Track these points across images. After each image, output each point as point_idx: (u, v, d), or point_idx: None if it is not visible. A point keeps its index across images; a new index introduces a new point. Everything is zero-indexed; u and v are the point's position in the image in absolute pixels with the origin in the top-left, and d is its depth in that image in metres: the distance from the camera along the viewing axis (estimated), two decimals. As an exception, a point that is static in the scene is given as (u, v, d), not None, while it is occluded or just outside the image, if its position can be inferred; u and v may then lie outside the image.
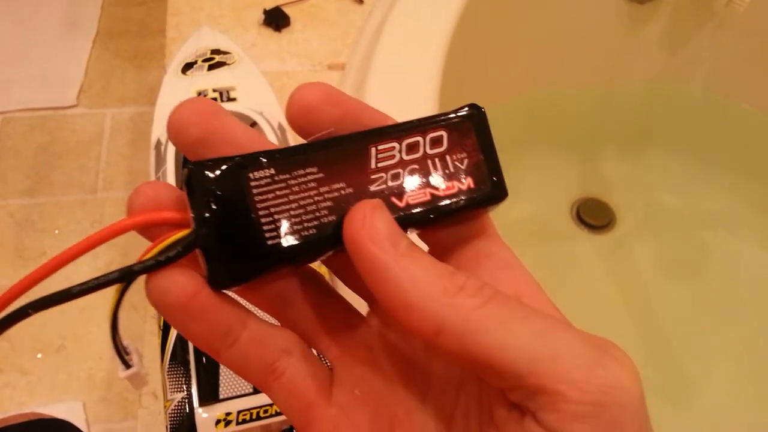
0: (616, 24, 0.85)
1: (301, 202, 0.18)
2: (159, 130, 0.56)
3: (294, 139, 0.57)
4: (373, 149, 0.19)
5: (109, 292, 0.18)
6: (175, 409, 0.41)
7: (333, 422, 0.20)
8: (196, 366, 0.42)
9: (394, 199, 0.19)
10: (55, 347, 1.04)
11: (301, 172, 0.18)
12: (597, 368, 0.16)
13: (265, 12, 0.72)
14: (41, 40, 1.44)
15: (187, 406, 0.41)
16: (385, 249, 0.17)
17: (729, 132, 0.93)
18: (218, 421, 0.41)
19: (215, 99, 0.57)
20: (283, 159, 0.18)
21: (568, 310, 0.19)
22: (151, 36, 1.47)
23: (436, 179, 0.19)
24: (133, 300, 0.19)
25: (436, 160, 0.19)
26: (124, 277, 0.17)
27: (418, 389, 0.20)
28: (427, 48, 0.63)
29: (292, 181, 0.18)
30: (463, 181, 0.19)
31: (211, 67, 0.60)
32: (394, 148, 0.19)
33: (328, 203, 0.18)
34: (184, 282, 0.17)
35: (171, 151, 0.53)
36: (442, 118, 0.20)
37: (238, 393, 0.42)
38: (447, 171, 0.19)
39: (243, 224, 0.18)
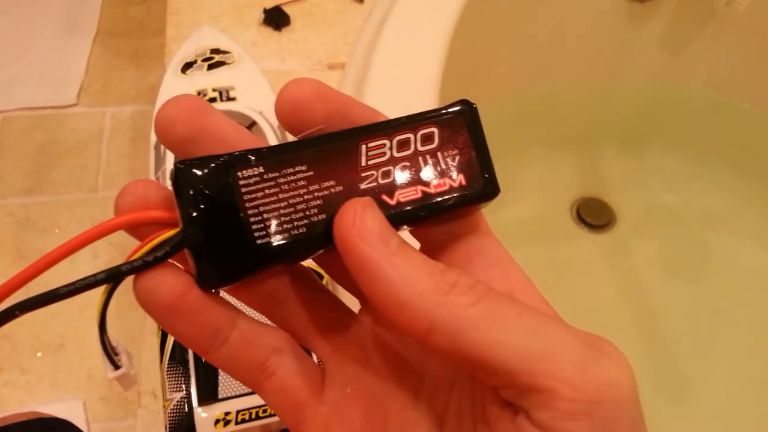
0: (617, 23, 0.85)
1: (291, 201, 0.18)
2: (159, 130, 0.56)
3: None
4: (364, 146, 0.19)
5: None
6: (174, 409, 0.41)
7: (325, 421, 0.20)
8: (195, 365, 0.42)
9: (384, 197, 0.19)
10: (54, 346, 1.04)
11: (291, 170, 0.18)
12: (590, 366, 0.16)
13: (265, 11, 0.72)
14: (41, 39, 1.44)
15: (186, 405, 0.41)
16: (375, 247, 0.17)
17: (729, 131, 0.93)
18: (217, 421, 0.41)
19: (215, 98, 0.57)
20: (272, 157, 0.18)
21: (568, 309, 0.19)
22: (151, 35, 1.47)
23: (428, 176, 0.19)
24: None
25: (428, 156, 0.19)
26: (112, 278, 0.17)
27: (411, 387, 0.20)
28: (427, 47, 0.62)
29: (282, 180, 0.18)
30: (455, 178, 0.19)
31: (210, 67, 0.60)
32: (384, 145, 0.19)
33: (318, 201, 0.18)
34: (172, 282, 0.17)
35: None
36: (434, 114, 0.19)
37: (237, 392, 0.42)
38: (438, 168, 0.19)
39: (232, 223, 0.17)
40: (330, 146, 0.18)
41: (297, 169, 0.18)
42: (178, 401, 0.41)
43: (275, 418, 0.41)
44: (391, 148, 0.19)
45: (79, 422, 0.97)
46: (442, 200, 0.19)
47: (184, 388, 0.42)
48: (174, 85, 0.59)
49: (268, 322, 0.21)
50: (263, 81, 0.61)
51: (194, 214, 0.17)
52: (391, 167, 0.19)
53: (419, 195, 0.19)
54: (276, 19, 0.72)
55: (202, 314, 0.18)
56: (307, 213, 0.18)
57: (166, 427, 0.41)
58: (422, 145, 0.19)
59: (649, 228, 0.89)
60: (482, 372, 0.17)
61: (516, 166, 0.87)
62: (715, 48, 0.86)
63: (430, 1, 0.66)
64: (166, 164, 0.53)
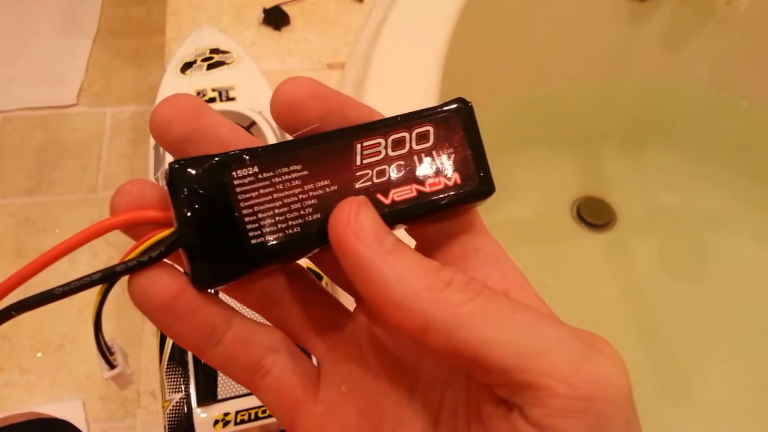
0: (617, 22, 0.85)
1: (286, 200, 0.18)
2: (158, 130, 0.56)
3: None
4: (359, 145, 0.19)
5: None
6: (173, 410, 0.41)
7: (320, 419, 0.20)
8: (195, 366, 0.42)
9: (379, 196, 0.19)
10: (54, 346, 1.04)
11: (285, 169, 0.18)
12: (585, 363, 0.16)
13: (265, 11, 0.72)
14: (41, 39, 1.44)
15: (185, 406, 0.41)
16: (370, 246, 0.17)
17: (729, 130, 0.93)
18: (216, 422, 0.41)
19: (214, 98, 0.57)
20: (267, 156, 0.18)
21: (568, 309, 0.19)
22: (151, 35, 1.47)
23: (423, 175, 0.19)
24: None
25: (423, 155, 0.19)
26: (107, 278, 0.17)
27: (406, 385, 0.20)
28: (427, 46, 0.62)
29: (276, 179, 0.18)
30: (450, 176, 0.19)
31: (210, 67, 0.60)
32: (379, 144, 0.19)
33: (313, 201, 0.18)
34: (167, 281, 0.17)
35: (170, 150, 0.53)
36: (429, 112, 0.19)
37: (237, 393, 0.41)
38: (434, 166, 0.19)
39: (226, 223, 0.18)
40: (325, 145, 0.18)
41: (292, 168, 0.18)
42: (177, 402, 0.41)
43: (274, 419, 0.41)
44: (386, 147, 0.19)
45: (78, 422, 0.97)
46: (437, 199, 0.19)
47: (183, 388, 0.42)
48: (173, 85, 0.59)
49: (264, 321, 0.21)
50: (263, 81, 0.61)
51: (189, 214, 0.17)
52: (386, 166, 0.19)
53: (414, 194, 0.19)
54: (276, 18, 0.72)
55: (197, 314, 0.18)
56: (302, 212, 0.18)
57: (165, 427, 0.41)
58: (417, 144, 0.19)
59: (649, 227, 0.89)
60: (477, 370, 0.16)
61: (516, 165, 0.87)
62: (716, 47, 0.86)
63: (430, 0, 0.66)
64: (165, 165, 0.52)
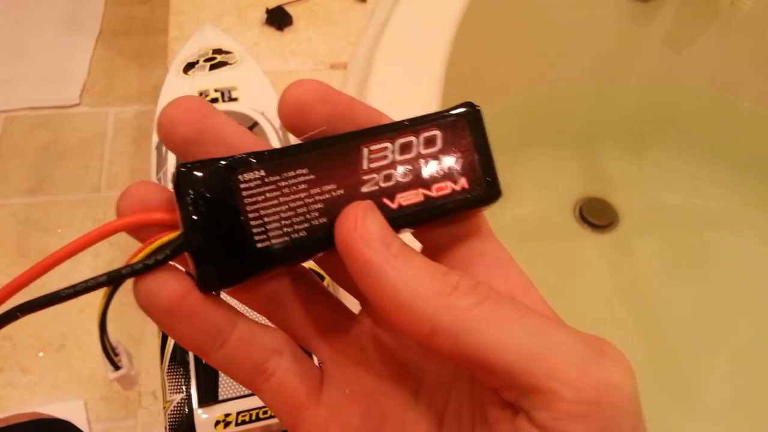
0: (620, 22, 0.85)
1: (291, 204, 0.18)
2: (160, 130, 0.56)
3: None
4: (366, 149, 0.19)
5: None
6: (174, 410, 0.41)
7: (323, 422, 0.20)
8: (196, 367, 0.42)
9: (386, 200, 0.18)
10: (56, 346, 1.04)
11: (292, 173, 0.18)
12: (592, 367, 0.16)
13: (268, 11, 0.72)
14: (44, 39, 1.44)
15: (186, 407, 0.41)
16: (377, 250, 0.17)
17: (732, 130, 0.93)
18: (217, 422, 0.41)
19: (216, 99, 0.57)
20: (274, 160, 0.18)
21: (571, 310, 0.19)
22: (154, 34, 1.47)
23: (430, 179, 0.19)
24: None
25: (430, 159, 0.19)
26: (113, 281, 0.17)
27: (410, 388, 0.20)
28: (430, 46, 0.62)
29: (282, 183, 0.18)
30: (457, 181, 0.19)
31: (212, 67, 0.60)
32: (386, 148, 0.19)
33: (319, 205, 0.18)
34: (172, 284, 0.17)
35: (172, 151, 0.53)
36: (437, 116, 0.19)
37: (238, 394, 0.41)
38: (441, 171, 0.19)
39: (232, 227, 0.18)
40: (332, 149, 0.18)
41: (298, 172, 0.18)
42: (178, 402, 0.41)
43: (275, 420, 0.41)
44: (393, 151, 0.19)
45: (80, 422, 0.97)
46: (443, 204, 0.19)
47: (184, 389, 0.42)
48: (176, 86, 0.59)
49: (268, 323, 0.21)
50: (265, 81, 0.61)
51: (195, 217, 0.17)
52: (392, 170, 0.19)
53: (421, 198, 0.19)
54: (278, 18, 0.72)
55: (202, 317, 0.18)
56: (308, 216, 0.18)
57: (166, 428, 0.41)
58: (424, 148, 0.19)
59: (651, 228, 0.89)
60: (484, 373, 0.16)
61: (518, 165, 0.86)
62: (719, 47, 0.86)
63: (433, 0, 0.66)
64: (168, 165, 0.52)
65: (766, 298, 0.82)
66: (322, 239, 0.18)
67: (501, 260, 0.20)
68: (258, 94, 0.59)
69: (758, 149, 0.91)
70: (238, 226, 0.18)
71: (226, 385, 0.42)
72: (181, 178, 0.17)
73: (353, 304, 0.22)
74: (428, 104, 0.58)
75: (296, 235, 0.18)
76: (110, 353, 0.22)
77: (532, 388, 0.16)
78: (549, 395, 0.15)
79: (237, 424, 0.41)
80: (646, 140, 0.94)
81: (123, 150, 1.29)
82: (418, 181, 0.19)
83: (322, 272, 0.23)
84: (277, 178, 0.18)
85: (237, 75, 0.60)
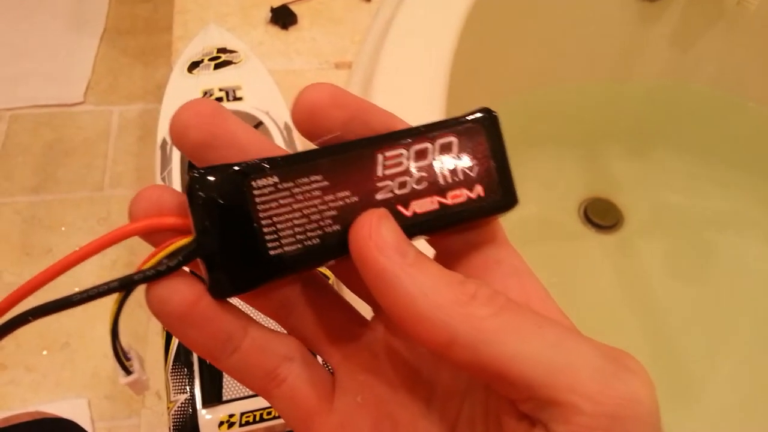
0: (626, 22, 0.85)
1: (305, 211, 0.18)
2: (165, 130, 0.56)
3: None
4: (380, 156, 0.18)
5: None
6: (178, 411, 0.41)
7: (334, 429, 0.20)
8: (200, 367, 0.42)
9: (400, 208, 0.18)
10: (60, 344, 1.04)
11: (305, 179, 0.18)
12: (612, 380, 0.16)
13: (272, 10, 0.72)
14: (48, 37, 1.44)
15: (190, 407, 0.41)
16: (392, 259, 0.16)
17: (737, 130, 0.93)
18: (221, 423, 0.40)
19: (221, 98, 0.57)
20: (287, 166, 0.18)
21: (575, 310, 0.19)
22: (158, 33, 1.47)
23: (445, 187, 0.18)
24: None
25: (445, 167, 0.19)
26: (124, 286, 0.17)
27: (422, 396, 0.20)
28: (435, 46, 0.62)
29: (296, 189, 0.18)
30: (473, 188, 0.19)
31: (217, 66, 0.60)
32: (401, 154, 0.18)
33: (333, 212, 0.18)
34: (184, 291, 0.17)
35: (176, 150, 0.53)
36: (453, 122, 0.19)
37: (242, 395, 0.41)
38: (456, 178, 0.19)
39: (245, 233, 0.17)
40: (346, 156, 0.18)
41: (312, 178, 0.18)
42: (182, 403, 0.41)
43: (279, 421, 0.41)
44: (408, 158, 0.18)
45: (83, 421, 0.97)
46: (458, 211, 0.19)
47: (188, 389, 0.41)
48: (180, 85, 0.59)
49: (280, 329, 0.21)
50: (270, 81, 0.61)
51: (207, 223, 0.17)
52: (407, 177, 0.18)
53: (436, 206, 0.18)
54: (283, 17, 0.72)
55: (214, 323, 0.18)
56: (321, 224, 0.18)
57: (170, 428, 0.41)
58: (440, 155, 0.19)
59: (656, 229, 0.89)
60: (502, 384, 0.16)
61: (523, 165, 0.86)
62: (724, 47, 0.86)
63: (438, 0, 0.66)
64: (172, 164, 0.52)
65: (770, 299, 0.82)
66: (335, 246, 0.18)
67: (517, 268, 0.19)
68: (262, 94, 0.59)
69: (763, 149, 0.91)
70: (251, 232, 0.17)
71: (230, 385, 0.42)
72: (194, 183, 0.17)
73: (365, 309, 0.22)
74: (433, 103, 0.57)
75: (309, 243, 0.18)
76: (122, 358, 0.22)
77: (552, 401, 0.15)
78: (569, 408, 0.15)
79: (241, 425, 0.40)
80: (651, 140, 0.94)
81: (127, 148, 1.29)
82: (433, 189, 0.18)
83: (326, 272, 0.23)
84: (291, 184, 0.18)
85: (241, 74, 0.60)
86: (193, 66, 0.60)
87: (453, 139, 0.19)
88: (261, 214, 0.18)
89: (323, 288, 0.21)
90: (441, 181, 0.19)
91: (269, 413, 0.41)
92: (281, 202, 0.18)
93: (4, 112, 1.32)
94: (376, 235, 0.17)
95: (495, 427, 0.18)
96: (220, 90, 0.57)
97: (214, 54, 0.62)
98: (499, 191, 0.19)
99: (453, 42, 0.62)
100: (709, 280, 0.85)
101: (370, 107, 0.19)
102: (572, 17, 0.83)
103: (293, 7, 0.73)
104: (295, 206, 0.18)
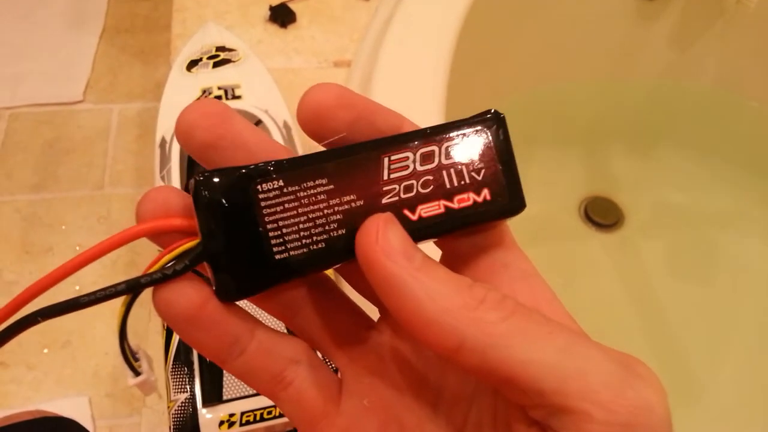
0: (626, 20, 0.84)
1: (311, 215, 0.18)
2: (164, 128, 0.56)
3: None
4: (386, 159, 0.18)
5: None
6: (178, 410, 0.41)
7: None
8: (200, 366, 0.42)
9: (406, 212, 0.18)
10: (61, 343, 1.04)
11: (311, 183, 0.18)
12: (624, 388, 0.15)
13: (271, 8, 0.72)
14: (48, 36, 1.44)
15: (190, 406, 0.41)
16: (400, 264, 0.16)
17: (738, 129, 0.93)
18: (222, 422, 0.40)
19: (220, 97, 0.57)
20: (292, 170, 0.18)
21: (575, 309, 0.19)
22: (158, 31, 1.47)
23: (451, 191, 0.18)
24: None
25: (452, 170, 0.18)
26: (132, 289, 0.17)
27: (429, 400, 0.20)
28: (434, 44, 0.62)
29: (301, 193, 0.18)
30: (480, 192, 0.19)
31: (216, 65, 0.60)
32: (408, 158, 0.18)
33: (338, 216, 0.18)
34: (191, 294, 0.17)
35: (176, 149, 0.53)
36: (460, 124, 0.19)
37: (242, 394, 0.41)
38: (463, 182, 0.18)
39: (251, 237, 0.17)
40: (352, 159, 0.18)
41: (317, 182, 0.18)
42: (182, 402, 0.41)
43: (279, 420, 0.41)
44: (414, 161, 0.18)
45: (84, 419, 0.97)
46: (465, 215, 0.18)
47: (188, 389, 0.41)
48: (179, 83, 0.59)
49: (287, 331, 0.21)
50: (269, 79, 0.61)
51: (213, 227, 0.17)
52: (413, 181, 0.18)
53: (442, 210, 0.18)
54: (282, 16, 0.72)
55: (220, 326, 0.18)
56: (327, 228, 0.18)
57: (170, 428, 0.41)
58: (446, 158, 0.18)
59: (657, 227, 0.89)
60: (511, 390, 0.16)
61: (523, 164, 0.85)
62: (724, 46, 0.86)
63: (437, -2, 0.66)
64: (171, 162, 0.52)
65: (771, 298, 0.82)
66: (341, 251, 0.18)
67: (525, 272, 0.19)
68: (261, 92, 0.59)
69: (764, 148, 0.90)
70: (257, 236, 0.17)
71: (230, 384, 0.42)
72: (200, 186, 0.17)
73: (371, 310, 0.22)
74: (432, 102, 0.57)
75: (315, 247, 0.18)
76: (130, 359, 0.22)
77: (563, 408, 0.15)
78: (580, 416, 0.15)
79: (241, 425, 0.40)
80: (651, 139, 0.93)
81: (126, 147, 1.29)
82: (439, 192, 0.18)
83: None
84: (297, 188, 0.18)
85: (240, 72, 0.60)
86: (192, 64, 0.60)
87: (460, 141, 0.19)
88: (267, 218, 0.18)
89: (330, 290, 0.21)
90: (447, 184, 0.18)
91: (269, 413, 0.41)
92: (287, 206, 0.18)
93: (3, 110, 1.32)
94: (383, 240, 0.17)
95: None
96: (219, 88, 0.57)
97: (213, 52, 0.62)
98: (507, 195, 0.19)
99: (452, 40, 0.62)
100: (710, 278, 0.85)
101: (377, 108, 0.19)
102: (572, 16, 0.83)
103: (292, 6, 0.73)
104: (301, 210, 0.18)
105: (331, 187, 0.18)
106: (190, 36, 0.65)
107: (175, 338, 0.44)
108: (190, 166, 0.52)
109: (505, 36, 0.80)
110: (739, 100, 0.90)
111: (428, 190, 0.18)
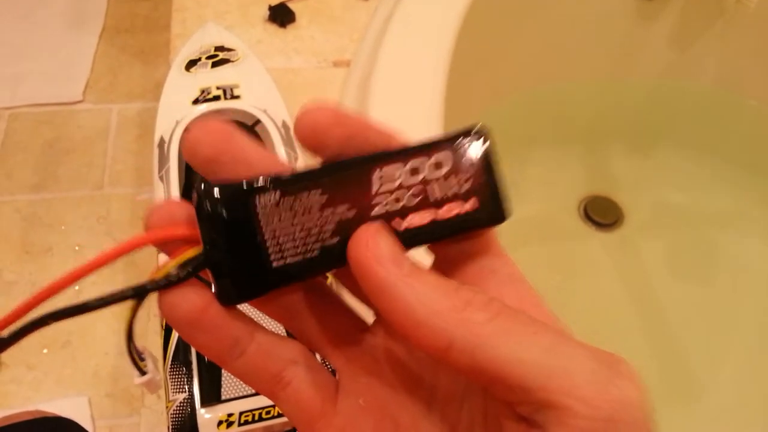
0: (625, 20, 0.84)
1: (306, 225, 0.19)
2: (162, 128, 0.56)
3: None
4: (377, 173, 0.19)
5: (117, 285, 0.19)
6: (177, 410, 0.41)
7: (338, 431, 0.20)
8: (198, 366, 0.42)
9: (396, 221, 0.19)
10: (61, 343, 1.04)
11: (306, 195, 0.19)
12: (607, 385, 0.16)
13: (271, 8, 0.72)
14: (47, 36, 1.44)
15: (189, 406, 0.41)
16: (389, 270, 0.17)
17: (737, 129, 0.93)
18: (220, 422, 0.40)
19: (218, 96, 0.57)
20: (289, 183, 0.19)
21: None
22: (157, 31, 1.47)
23: (439, 201, 0.20)
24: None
25: (440, 182, 0.20)
26: (138, 294, 0.19)
27: (423, 399, 0.21)
28: (433, 44, 0.62)
29: (297, 205, 0.19)
30: (466, 202, 0.20)
31: (215, 64, 0.60)
32: (397, 171, 0.19)
33: (332, 226, 0.19)
34: (194, 298, 0.19)
35: (174, 149, 0.53)
36: (446, 139, 0.20)
37: (241, 394, 0.41)
38: (450, 193, 0.20)
39: (249, 246, 0.19)
40: (345, 173, 0.19)
41: (312, 195, 0.19)
42: (180, 402, 0.41)
43: (277, 420, 0.41)
44: (403, 174, 0.19)
45: (84, 419, 0.97)
46: (452, 225, 0.20)
47: (187, 389, 0.41)
48: (178, 83, 0.59)
49: (286, 333, 0.22)
50: (268, 79, 0.61)
51: (215, 236, 0.19)
52: (403, 193, 0.19)
53: (429, 220, 0.20)
54: (281, 16, 0.72)
55: (222, 328, 0.19)
56: (321, 236, 0.19)
57: (169, 428, 0.41)
58: (434, 171, 0.20)
59: (656, 227, 0.89)
60: (499, 388, 0.17)
61: (523, 163, 0.86)
62: (724, 46, 0.86)
63: (436, -2, 0.66)
64: (170, 162, 0.52)
65: (771, 297, 0.82)
66: (335, 258, 0.19)
67: (511, 276, 0.20)
68: (260, 92, 0.59)
69: (764, 148, 0.90)
70: (255, 245, 0.19)
71: (229, 384, 0.42)
72: (201, 199, 0.18)
73: (367, 314, 0.23)
74: (431, 103, 0.57)
75: (310, 254, 0.19)
76: (137, 359, 0.23)
77: (548, 403, 0.16)
78: (564, 411, 0.16)
79: (240, 425, 0.40)
80: (651, 139, 0.94)
81: (126, 147, 1.29)
82: (427, 203, 0.20)
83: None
84: (292, 200, 0.19)
85: (239, 72, 0.60)
86: (191, 64, 0.60)
87: (447, 155, 0.20)
88: (264, 229, 0.19)
89: (326, 294, 0.22)
90: (435, 195, 0.20)
91: (268, 412, 0.41)
92: (283, 216, 0.19)
93: (3, 110, 1.32)
94: (374, 248, 0.18)
95: (495, 429, 0.18)
96: (218, 88, 0.57)
97: (212, 52, 0.61)
98: (491, 205, 0.20)
99: (451, 40, 0.62)
100: (710, 278, 0.85)
101: (370, 125, 0.20)
102: (572, 16, 0.83)
103: (292, 6, 0.73)
104: (296, 221, 0.19)
105: (325, 199, 0.19)
106: (190, 36, 0.65)
107: (174, 338, 0.44)
108: (188, 167, 0.52)
109: (505, 36, 0.80)
110: (739, 100, 0.90)
111: (416, 200, 0.19)
